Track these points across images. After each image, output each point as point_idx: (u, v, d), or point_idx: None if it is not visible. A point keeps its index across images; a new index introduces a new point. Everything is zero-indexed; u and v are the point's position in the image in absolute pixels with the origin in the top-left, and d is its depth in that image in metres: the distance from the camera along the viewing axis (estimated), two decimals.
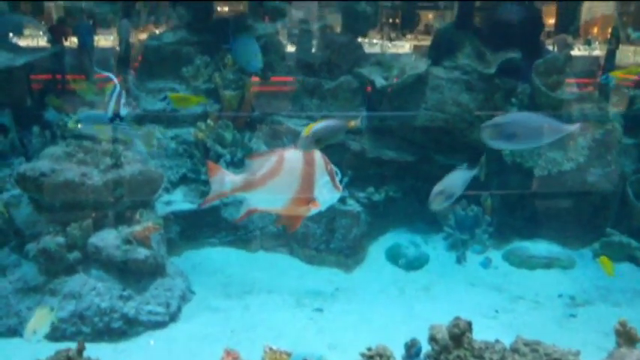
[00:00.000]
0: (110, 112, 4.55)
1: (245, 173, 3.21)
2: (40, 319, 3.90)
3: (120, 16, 7.22)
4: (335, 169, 4.63)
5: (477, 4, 7.85)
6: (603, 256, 5.33)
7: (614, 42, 7.11)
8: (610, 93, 6.84)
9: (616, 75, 5.72)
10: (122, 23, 7.12)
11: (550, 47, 7.60)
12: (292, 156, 3.24)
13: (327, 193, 3.31)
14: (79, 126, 5.52)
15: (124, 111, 4.57)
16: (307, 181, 3.22)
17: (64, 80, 7.37)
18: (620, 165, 6.50)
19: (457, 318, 3.63)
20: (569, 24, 7.96)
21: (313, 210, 3.30)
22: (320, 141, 3.62)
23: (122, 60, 7.02)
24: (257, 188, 3.19)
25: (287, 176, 3.20)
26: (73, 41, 7.54)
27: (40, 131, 5.84)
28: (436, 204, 4.31)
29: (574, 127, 4.10)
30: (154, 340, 4.66)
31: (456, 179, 4.37)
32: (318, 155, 3.28)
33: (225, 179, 3.21)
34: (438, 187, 4.30)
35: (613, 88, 6.09)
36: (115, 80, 4.64)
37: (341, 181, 5.08)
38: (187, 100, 4.86)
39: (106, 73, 4.84)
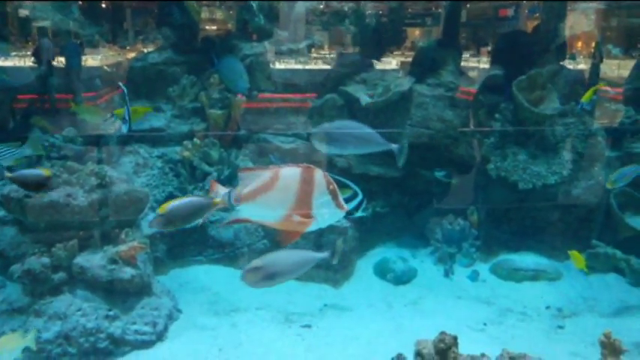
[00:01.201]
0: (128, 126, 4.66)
1: (238, 187, 3.24)
2: (6, 345, 3.86)
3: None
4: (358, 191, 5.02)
5: (463, 21, 8.00)
6: (574, 251, 5.41)
7: (597, 57, 7.25)
8: (594, 107, 6.96)
9: (585, 98, 5.83)
10: (42, 42, 7.09)
11: None
12: (288, 173, 3.20)
13: (327, 212, 3.26)
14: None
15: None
16: (304, 198, 3.18)
17: (51, 100, 7.37)
18: (604, 178, 6.59)
19: (443, 333, 3.64)
20: (552, 39, 8.08)
21: (310, 227, 3.27)
22: (176, 221, 3.56)
23: (42, 80, 7.01)
24: (247, 202, 3.21)
25: (280, 193, 3.17)
26: (60, 61, 7.57)
27: None
28: (249, 280, 3.91)
29: (394, 146, 4.43)
30: (140, 359, 4.63)
31: (284, 257, 3.96)
32: (318, 174, 3.22)
33: (221, 194, 3.27)
34: (257, 262, 3.86)
35: (590, 109, 6.21)
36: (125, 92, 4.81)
37: (361, 205, 5.30)
38: (135, 113, 4.87)
39: (122, 87, 4.95)
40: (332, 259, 4.23)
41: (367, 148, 4.49)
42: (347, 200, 5.20)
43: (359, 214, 5.36)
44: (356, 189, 5.26)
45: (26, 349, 4.13)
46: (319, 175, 3.21)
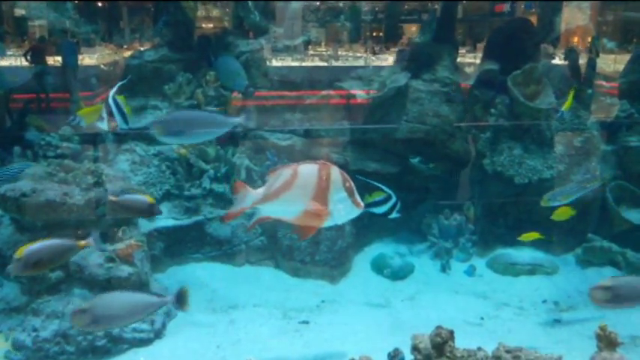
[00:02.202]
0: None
1: (263, 187, 3.43)
2: None
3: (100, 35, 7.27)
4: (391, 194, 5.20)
5: (459, 17, 8.01)
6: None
7: (594, 51, 7.27)
8: (590, 101, 6.98)
9: (566, 107, 5.88)
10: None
11: None
12: (306, 170, 3.34)
13: (343, 209, 3.38)
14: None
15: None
16: (320, 194, 3.30)
17: (47, 99, 7.38)
18: (599, 171, 6.61)
19: (439, 327, 3.66)
20: (548, 34, 8.10)
21: (327, 222, 3.40)
22: (38, 264, 3.50)
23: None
24: (272, 201, 3.38)
25: (299, 189, 3.31)
26: (56, 60, 7.57)
27: (22, 151, 5.82)
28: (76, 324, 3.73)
29: (239, 119, 4.33)
30: (139, 357, 4.63)
31: (117, 300, 3.76)
32: (335, 171, 3.35)
33: (247, 195, 3.46)
34: (84, 305, 3.70)
35: (568, 120, 6.24)
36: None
37: (394, 208, 5.44)
38: (98, 110, 4.90)
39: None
40: (181, 306, 4.03)
41: (214, 132, 4.42)
42: (379, 203, 5.40)
43: (394, 215, 5.49)
44: (389, 191, 5.40)
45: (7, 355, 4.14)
46: (335, 172, 3.34)
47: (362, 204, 3.42)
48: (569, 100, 5.91)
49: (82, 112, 4.92)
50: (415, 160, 6.31)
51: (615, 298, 3.99)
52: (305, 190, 3.30)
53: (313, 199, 3.30)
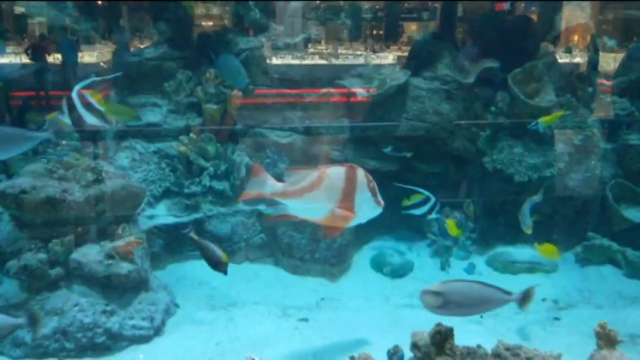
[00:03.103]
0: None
1: (286, 183, 3.51)
2: None
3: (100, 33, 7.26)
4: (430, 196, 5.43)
5: (459, 14, 7.99)
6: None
7: (593, 49, 7.26)
8: (589, 100, 6.97)
9: (544, 121, 5.88)
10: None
11: None
12: (334, 172, 3.47)
13: (367, 209, 3.53)
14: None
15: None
16: (347, 195, 3.44)
17: (47, 97, 7.37)
18: (599, 170, 6.60)
19: (439, 324, 3.66)
20: (548, 32, 8.09)
21: (352, 222, 3.53)
22: None
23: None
24: (295, 198, 3.48)
25: (326, 191, 3.43)
26: (56, 57, 7.55)
27: None
28: None
29: (45, 134, 4.32)
30: (139, 354, 4.63)
31: None
32: (360, 173, 3.48)
33: (267, 182, 3.51)
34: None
35: (542, 132, 6.25)
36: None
37: (433, 208, 5.67)
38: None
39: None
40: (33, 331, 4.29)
41: (17, 148, 4.28)
42: (418, 205, 5.65)
43: (433, 216, 5.75)
44: (427, 194, 5.64)
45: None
46: (361, 174, 3.49)
47: (382, 202, 3.55)
48: (551, 117, 5.93)
49: (51, 117, 4.90)
50: (388, 150, 6.33)
51: (446, 304, 3.78)
52: (332, 191, 3.42)
53: (340, 201, 3.43)
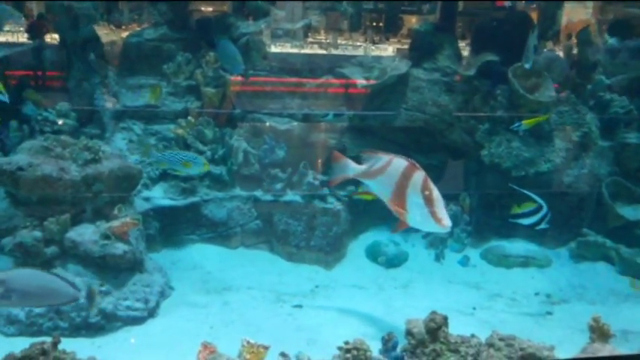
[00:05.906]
0: None
1: (365, 165, 3.72)
2: None
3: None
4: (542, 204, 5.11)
5: (460, 7, 7.97)
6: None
7: (587, 43, 7.25)
8: (587, 96, 6.98)
9: (527, 123, 5.89)
10: None
11: None
12: (397, 163, 3.47)
13: (419, 216, 3.35)
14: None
15: None
16: (399, 190, 3.41)
17: (44, 76, 7.30)
18: (595, 166, 6.63)
19: (433, 312, 3.68)
20: (549, 28, 8.08)
21: (407, 221, 3.46)
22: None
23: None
24: (370, 179, 3.67)
25: (387, 178, 3.49)
26: (53, 37, 7.47)
27: (19, 125, 5.77)
28: None
29: None
30: (132, 335, 4.63)
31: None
32: (418, 174, 3.35)
33: (348, 165, 3.85)
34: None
35: (522, 134, 6.26)
36: None
37: (539, 223, 5.22)
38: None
39: None
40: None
41: None
42: (530, 213, 5.23)
43: (542, 226, 5.36)
44: (540, 202, 5.24)
45: None
46: (418, 176, 3.35)
47: (444, 222, 3.28)
48: (532, 120, 5.93)
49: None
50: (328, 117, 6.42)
51: (7, 293, 3.26)
52: (390, 179, 3.45)
53: (394, 192, 3.44)
